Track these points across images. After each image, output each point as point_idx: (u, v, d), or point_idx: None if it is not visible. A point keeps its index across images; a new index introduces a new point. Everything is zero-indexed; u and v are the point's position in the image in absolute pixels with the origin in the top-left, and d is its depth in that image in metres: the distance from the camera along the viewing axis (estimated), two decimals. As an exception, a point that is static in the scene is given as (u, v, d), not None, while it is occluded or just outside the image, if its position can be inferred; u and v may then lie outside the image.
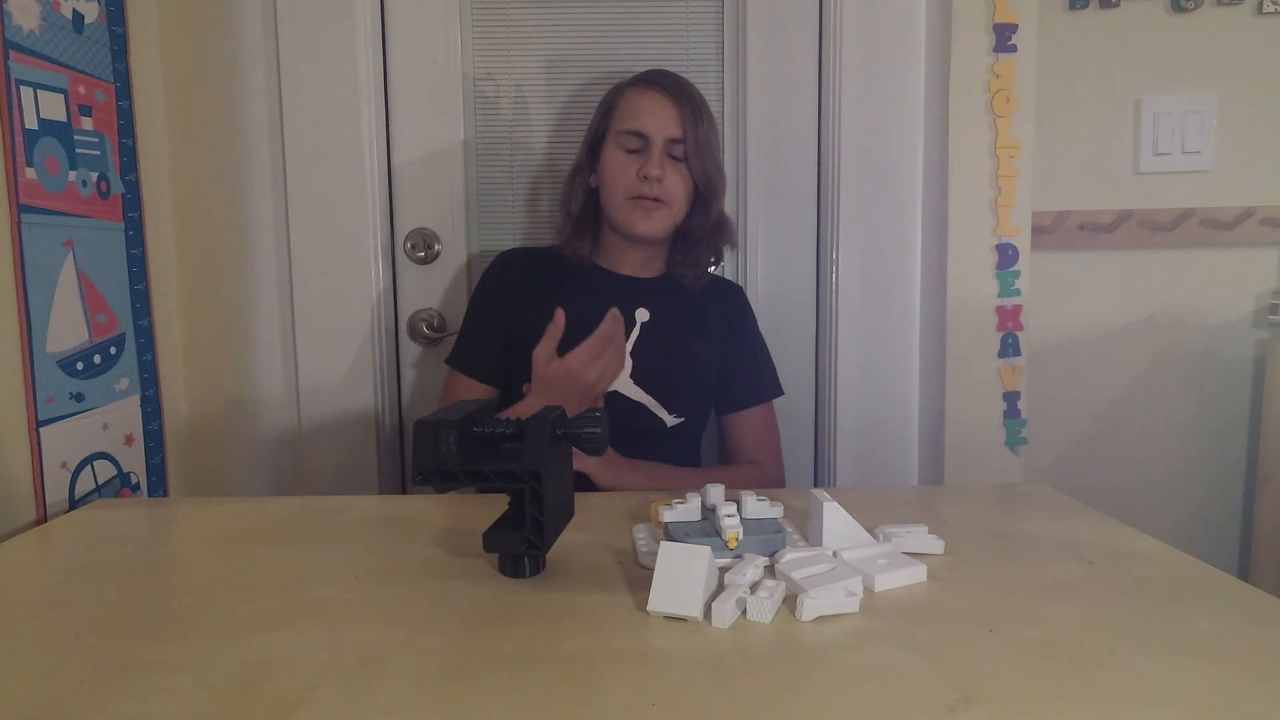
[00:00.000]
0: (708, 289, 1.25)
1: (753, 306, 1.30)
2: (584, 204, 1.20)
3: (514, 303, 1.19)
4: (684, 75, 1.20)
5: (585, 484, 1.07)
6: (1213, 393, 1.43)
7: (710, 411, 1.27)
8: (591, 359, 1.04)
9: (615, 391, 1.16)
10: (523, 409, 1.06)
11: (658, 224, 1.16)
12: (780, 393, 1.28)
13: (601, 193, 1.19)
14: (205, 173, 1.31)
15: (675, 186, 1.15)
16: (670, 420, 1.18)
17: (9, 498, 0.94)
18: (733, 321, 1.25)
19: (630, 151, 1.15)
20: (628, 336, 1.17)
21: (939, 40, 1.31)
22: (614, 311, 1.06)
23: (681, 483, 1.11)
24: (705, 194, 1.17)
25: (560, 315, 1.07)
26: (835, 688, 0.53)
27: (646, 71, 1.20)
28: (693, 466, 1.25)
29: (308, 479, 1.36)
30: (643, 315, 1.19)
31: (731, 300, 1.27)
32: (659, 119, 1.14)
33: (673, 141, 1.14)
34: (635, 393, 1.16)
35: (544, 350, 1.06)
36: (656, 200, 1.14)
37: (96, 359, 1.09)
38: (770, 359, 1.29)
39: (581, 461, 1.05)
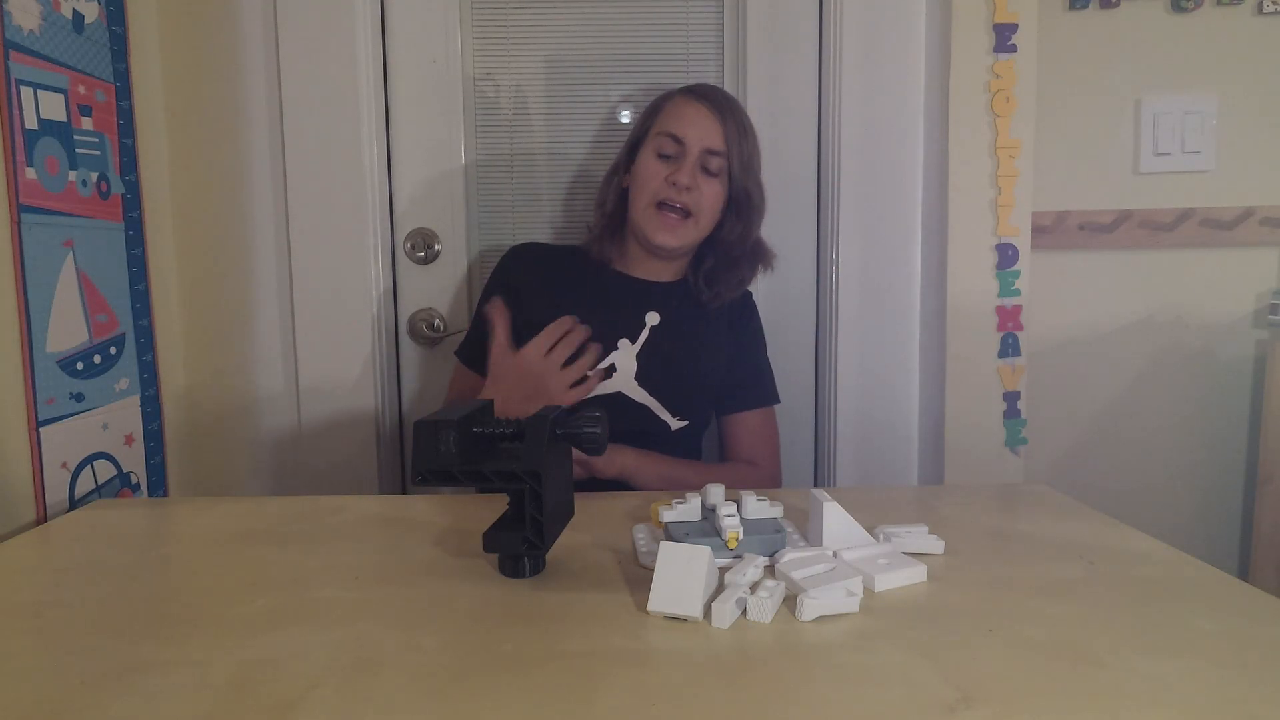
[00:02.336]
0: None
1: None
2: (615, 204, 1.20)
3: (521, 298, 1.18)
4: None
5: (585, 484, 1.06)
6: (1213, 393, 1.42)
7: (712, 414, 1.27)
8: (543, 354, 1.06)
9: (620, 393, 1.15)
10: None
11: (679, 237, 1.14)
12: (777, 400, 1.27)
13: (630, 196, 1.17)
14: (205, 173, 1.31)
15: (705, 200, 1.14)
16: (675, 424, 1.18)
17: (9, 498, 0.94)
18: (738, 324, 1.25)
19: (664, 157, 1.14)
20: (636, 339, 1.17)
21: (939, 40, 1.31)
22: (568, 320, 1.08)
23: (683, 473, 1.12)
24: (745, 210, 1.16)
25: (498, 304, 1.10)
26: (835, 688, 0.53)
27: (695, 84, 1.19)
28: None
29: (308, 479, 1.36)
30: (653, 319, 1.18)
31: (741, 303, 1.26)
32: (699, 128, 1.13)
33: (710, 153, 1.13)
34: (640, 395, 1.16)
35: (499, 343, 1.08)
36: (683, 213, 1.13)
37: (96, 359, 1.08)
38: (770, 365, 1.28)
39: (594, 462, 1.06)
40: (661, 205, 1.13)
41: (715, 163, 1.13)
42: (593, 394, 1.14)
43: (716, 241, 1.19)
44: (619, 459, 1.09)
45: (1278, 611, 0.63)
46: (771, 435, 1.26)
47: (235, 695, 0.52)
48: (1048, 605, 0.65)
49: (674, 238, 1.14)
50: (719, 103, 1.15)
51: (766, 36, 1.37)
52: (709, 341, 1.21)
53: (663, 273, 1.22)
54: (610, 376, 1.15)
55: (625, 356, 1.16)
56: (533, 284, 1.19)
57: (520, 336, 1.15)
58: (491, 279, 1.23)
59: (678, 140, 1.13)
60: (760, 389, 1.26)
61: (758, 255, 1.21)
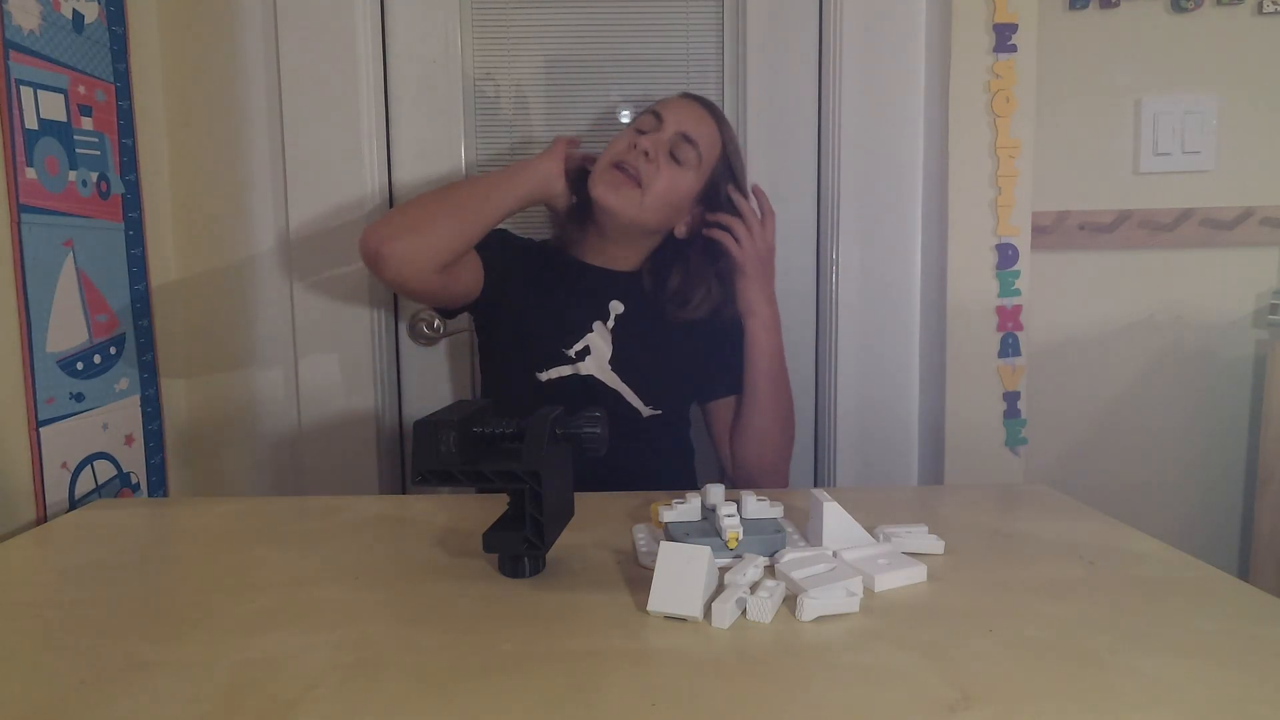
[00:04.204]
0: None
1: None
2: (578, 180, 1.17)
3: (494, 274, 1.16)
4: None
5: (585, 484, 1.06)
6: (1213, 393, 1.42)
7: (689, 408, 1.26)
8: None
9: (593, 377, 1.14)
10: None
11: (621, 199, 1.11)
12: None
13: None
14: (205, 173, 1.31)
15: (661, 179, 1.11)
16: (645, 411, 1.17)
17: (9, 498, 0.94)
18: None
19: (639, 132, 1.14)
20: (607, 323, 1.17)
21: (939, 40, 1.31)
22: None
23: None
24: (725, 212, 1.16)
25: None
26: (835, 688, 0.53)
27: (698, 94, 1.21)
28: (681, 460, 1.24)
29: (308, 479, 1.36)
30: (617, 308, 1.17)
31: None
32: (681, 113, 1.14)
33: (684, 138, 1.12)
34: (613, 380, 1.15)
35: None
36: (634, 180, 1.10)
37: (96, 359, 1.08)
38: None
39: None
40: (617, 166, 1.12)
41: (687, 151, 1.12)
42: (567, 376, 1.14)
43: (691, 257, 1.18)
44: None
45: (1278, 611, 0.63)
46: None
47: (235, 695, 0.52)
48: (1047, 605, 0.65)
49: (616, 197, 1.11)
50: (713, 109, 1.17)
51: (766, 36, 1.37)
52: (676, 329, 1.19)
53: (623, 261, 1.20)
54: (584, 359, 1.15)
55: (600, 339, 1.15)
56: (504, 266, 1.17)
57: (485, 332, 1.16)
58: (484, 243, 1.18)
59: (658, 117, 1.14)
60: (739, 373, 1.22)
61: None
